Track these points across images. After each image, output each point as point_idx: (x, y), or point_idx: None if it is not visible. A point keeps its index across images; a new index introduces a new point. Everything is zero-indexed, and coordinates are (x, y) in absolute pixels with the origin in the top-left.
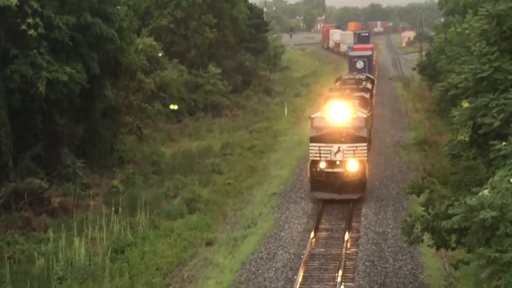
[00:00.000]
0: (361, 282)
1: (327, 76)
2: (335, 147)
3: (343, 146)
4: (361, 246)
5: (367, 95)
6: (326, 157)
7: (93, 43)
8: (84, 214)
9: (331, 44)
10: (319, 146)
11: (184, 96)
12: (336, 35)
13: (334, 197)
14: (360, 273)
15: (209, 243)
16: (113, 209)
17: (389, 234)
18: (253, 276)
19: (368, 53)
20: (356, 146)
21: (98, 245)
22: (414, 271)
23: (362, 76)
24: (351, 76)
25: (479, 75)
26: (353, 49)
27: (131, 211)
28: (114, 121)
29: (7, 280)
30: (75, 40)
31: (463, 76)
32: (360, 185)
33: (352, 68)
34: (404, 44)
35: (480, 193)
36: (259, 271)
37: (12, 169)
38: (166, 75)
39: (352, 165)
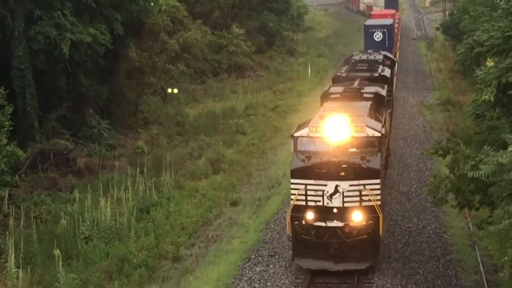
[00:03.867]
0: (385, 242)
1: (350, 36)
2: (330, 186)
3: (343, 185)
4: (385, 206)
5: (384, 90)
6: (316, 202)
7: (116, 4)
8: (109, 175)
9: (362, 6)
10: (306, 185)
11: (208, 57)
12: None
13: (328, 268)
14: (384, 232)
15: (233, 203)
16: (138, 169)
17: (413, 194)
18: (277, 236)
19: (388, 21)
20: (364, 185)
21: (123, 205)
22: (438, 230)
23: (379, 57)
24: (364, 57)
25: (508, 34)
26: (370, 16)
27: (156, 172)
28: (138, 82)
29: (34, 239)
30: (98, 1)
31: (490, 34)
32: (370, 248)
33: (369, 41)
34: (427, 4)
35: (511, 148)
36: (284, 231)
37: (37, 130)
38: (190, 36)
39: (357, 215)
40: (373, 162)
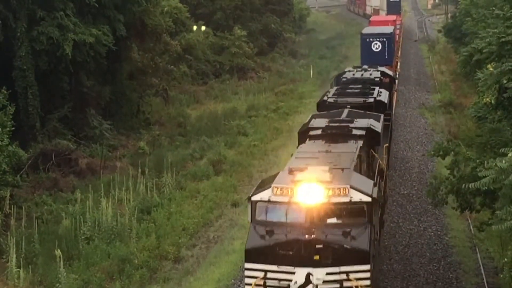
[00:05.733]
0: (386, 244)
1: (352, 38)
2: (299, 274)
3: (318, 273)
4: (386, 209)
5: (380, 123)
6: None
7: (119, 5)
8: (111, 175)
9: (368, 10)
10: (266, 271)
11: (210, 59)
12: (374, 0)
13: None
14: (385, 234)
15: (234, 204)
16: (139, 170)
17: (414, 196)
18: None
19: (389, 29)
20: (347, 273)
21: (124, 205)
22: (439, 232)
23: (376, 74)
24: (358, 75)
25: (503, 39)
26: (369, 23)
27: (158, 172)
28: (140, 83)
29: (35, 239)
30: (101, 2)
31: (487, 40)
32: None
33: (366, 51)
34: (429, 6)
35: (510, 154)
36: None
37: (39, 130)
38: (192, 38)
39: None
40: (360, 240)
